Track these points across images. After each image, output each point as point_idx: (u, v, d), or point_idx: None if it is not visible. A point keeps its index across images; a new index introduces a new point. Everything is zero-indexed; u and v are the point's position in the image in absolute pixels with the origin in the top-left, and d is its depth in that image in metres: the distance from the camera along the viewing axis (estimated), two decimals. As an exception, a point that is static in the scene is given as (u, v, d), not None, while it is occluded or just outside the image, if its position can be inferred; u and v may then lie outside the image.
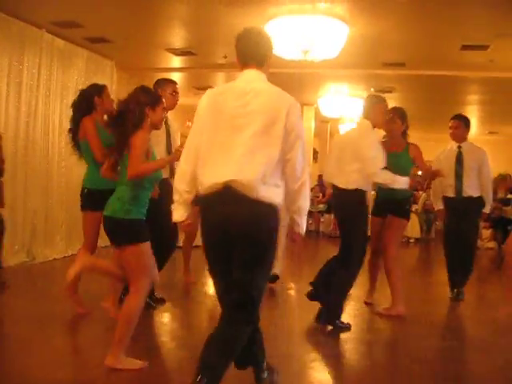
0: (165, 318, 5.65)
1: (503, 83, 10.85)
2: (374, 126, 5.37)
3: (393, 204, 5.85)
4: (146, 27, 8.46)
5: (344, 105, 12.76)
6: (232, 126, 3.12)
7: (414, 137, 6.47)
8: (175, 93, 5.80)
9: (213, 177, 3.07)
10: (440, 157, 6.82)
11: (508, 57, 9.14)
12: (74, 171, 9.08)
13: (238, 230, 3.04)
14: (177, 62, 10.53)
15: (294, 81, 11.62)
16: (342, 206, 5.35)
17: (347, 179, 5.17)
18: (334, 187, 5.36)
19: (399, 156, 5.78)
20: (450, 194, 6.64)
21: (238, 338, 3.13)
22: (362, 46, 8.80)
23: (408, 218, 6.06)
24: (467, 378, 4.24)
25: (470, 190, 6.57)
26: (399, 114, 5.97)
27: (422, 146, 6.14)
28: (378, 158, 5.14)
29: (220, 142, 3.12)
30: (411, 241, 13.09)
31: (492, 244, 11.97)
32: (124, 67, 10.36)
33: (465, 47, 8.65)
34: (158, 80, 5.89)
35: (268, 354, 3.58)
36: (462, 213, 6.57)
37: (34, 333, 4.72)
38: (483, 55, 9.01)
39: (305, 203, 3.27)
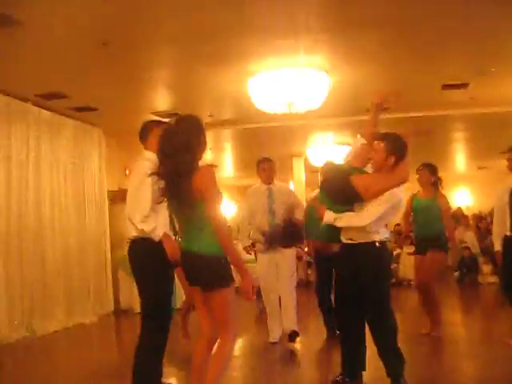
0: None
1: (485, 119, 11.00)
2: None
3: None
4: (130, 93, 8.56)
5: (333, 153, 12.75)
6: None
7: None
8: None
9: None
10: (500, 191, 6.34)
11: (488, 93, 9.30)
12: (69, 241, 9.10)
13: None
14: (164, 124, 10.59)
15: (282, 133, 11.76)
16: None
17: None
18: None
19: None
20: (507, 231, 6.05)
21: None
22: (344, 94, 8.93)
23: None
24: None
25: None
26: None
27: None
28: None
29: None
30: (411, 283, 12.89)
31: (493, 278, 11.87)
32: (111, 133, 10.43)
33: (445, 87, 8.81)
34: (148, 124, 4.73)
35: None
36: None
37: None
38: (464, 93, 9.16)
39: None
